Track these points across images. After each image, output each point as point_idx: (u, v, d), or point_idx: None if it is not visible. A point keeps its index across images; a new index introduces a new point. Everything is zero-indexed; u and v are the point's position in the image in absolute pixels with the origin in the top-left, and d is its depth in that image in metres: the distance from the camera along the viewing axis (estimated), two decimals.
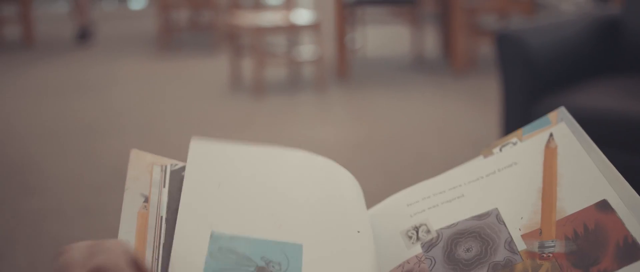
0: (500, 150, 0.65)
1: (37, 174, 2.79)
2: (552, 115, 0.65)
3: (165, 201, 0.59)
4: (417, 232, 0.61)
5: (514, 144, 0.65)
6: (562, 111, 0.65)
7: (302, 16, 4.32)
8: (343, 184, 0.65)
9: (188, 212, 0.57)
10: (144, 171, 0.62)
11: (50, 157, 2.99)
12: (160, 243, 0.56)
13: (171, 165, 0.63)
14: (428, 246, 0.59)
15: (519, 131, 0.65)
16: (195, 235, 0.55)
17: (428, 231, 0.61)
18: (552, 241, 0.56)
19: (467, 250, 0.58)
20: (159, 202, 0.60)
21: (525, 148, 0.64)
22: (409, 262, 0.59)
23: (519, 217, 0.58)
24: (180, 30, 6.07)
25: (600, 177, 0.59)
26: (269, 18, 4.22)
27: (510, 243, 0.57)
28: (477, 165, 0.65)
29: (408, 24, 5.44)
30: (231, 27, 4.32)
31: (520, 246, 0.56)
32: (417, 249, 0.60)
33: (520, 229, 0.57)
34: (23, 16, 5.82)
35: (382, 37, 6.07)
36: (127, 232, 0.56)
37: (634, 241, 0.54)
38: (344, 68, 4.56)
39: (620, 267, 0.53)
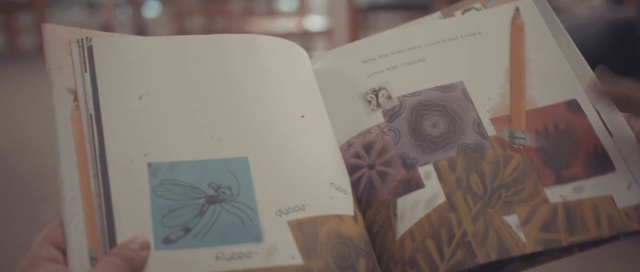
0: (462, 13, 0.61)
1: (53, 182, 2.81)
2: None
3: (90, 92, 0.50)
4: (377, 96, 0.56)
5: (478, 10, 0.60)
6: None
7: (315, 22, 4.33)
8: (276, 61, 0.57)
9: (115, 143, 0.48)
10: (65, 54, 0.51)
11: None
12: (96, 154, 0.48)
13: (87, 39, 0.52)
14: (391, 116, 0.55)
15: None
16: (131, 171, 0.48)
17: (389, 97, 0.56)
18: (523, 133, 0.53)
19: (434, 125, 0.54)
20: (85, 96, 0.50)
21: (489, 17, 0.59)
22: (370, 132, 0.55)
23: (487, 97, 0.55)
24: None
25: (571, 73, 0.56)
26: (282, 25, 4.23)
27: (479, 125, 0.54)
28: (437, 25, 0.60)
29: None
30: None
31: (490, 130, 0.54)
32: (379, 118, 0.55)
33: (488, 112, 0.54)
34: (38, 25, 5.87)
35: None
36: (66, 148, 0.47)
37: (604, 152, 0.52)
38: None
39: (590, 176, 0.51)
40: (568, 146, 0.53)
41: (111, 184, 0.47)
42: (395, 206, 0.52)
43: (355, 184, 0.54)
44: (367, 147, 0.54)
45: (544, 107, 0.54)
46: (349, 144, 0.55)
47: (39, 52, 6.01)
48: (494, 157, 0.52)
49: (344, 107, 0.57)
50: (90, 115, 0.49)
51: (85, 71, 0.50)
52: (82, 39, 0.52)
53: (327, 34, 4.21)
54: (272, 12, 5.33)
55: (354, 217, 0.51)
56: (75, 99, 0.49)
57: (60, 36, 0.52)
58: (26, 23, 6.18)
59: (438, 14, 0.61)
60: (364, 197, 0.53)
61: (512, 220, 0.49)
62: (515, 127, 0.53)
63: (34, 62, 5.57)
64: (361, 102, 0.56)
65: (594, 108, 0.54)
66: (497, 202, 0.50)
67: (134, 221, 0.46)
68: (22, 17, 6.19)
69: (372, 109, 0.56)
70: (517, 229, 0.49)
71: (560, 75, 0.56)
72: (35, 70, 5.19)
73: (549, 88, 0.55)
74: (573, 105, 0.54)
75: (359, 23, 4.77)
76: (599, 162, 0.52)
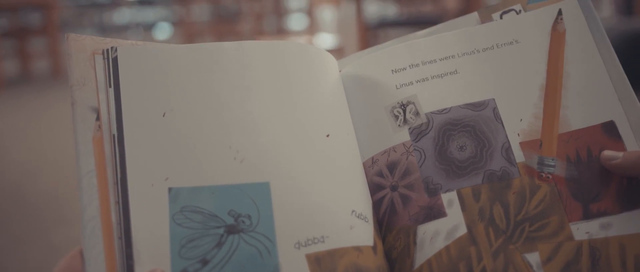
0: (501, 17, 0.57)
1: (69, 205, 2.82)
2: None
3: (113, 109, 0.48)
4: (404, 111, 0.54)
5: (518, 12, 0.57)
6: None
7: (325, 41, 4.34)
8: (304, 70, 0.55)
9: (137, 166, 0.47)
10: (89, 67, 0.49)
11: None
12: (118, 179, 0.46)
13: (112, 49, 0.50)
14: (417, 134, 0.53)
15: None
16: (152, 197, 0.46)
17: (417, 113, 0.54)
18: (553, 160, 0.50)
19: (461, 148, 0.52)
20: (108, 115, 0.48)
21: (529, 22, 0.56)
22: (395, 151, 0.53)
23: (518, 118, 0.52)
24: None
25: (611, 91, 0.52)
26: None
27: (507, 150, 0.51)
28: (474, 32, 0.56)
29: None
30: None
31: (518, 156, 0.51)
32: (405, 135, 0.53)
33: (518, 135, 0.52)
34: (51, 49, 5.93)
35: None
36: (87, 173, 0.46)
37: (638, 184, 0.49)
38: None
39: (621, 211, 0.48)
40: (599, 176, 0.49)
41: (131, 212, 0.45)
42: (415, 234, 0.50)
43: (376, 205, 0.53)
44: (391, 167, 0.53)
45: (578, 131, 0.51)
46: (373, 160, 0.54)
47: (52, 76, 6.07)
48: (520, 187, 0.50)
49: (370, 120, 0.55)
50: (113, 135, 0.47)
51: (110, 86, 0.48)
52: (106, 50, 0.50)
53: (337, 52, 4.23)
54: (281, 31, 5.36)
55: (374, 248, 0.50)
56: (98, 118, 0.47)
57: (83, 48, 0.49)
58: (39, 48, 6.24)
59: (475, 15, 0.58)
60: (385, 220, 0.52)
61: (533, 258, 0.48)
62: (546, 153, 0.51)
63: (47, 86, 5.62)
64: (388, 116, 0.54)
65: (633, 132, 0.51)
66: (520, 237, 0.49)
67: (153, 252, 0.45)
68: (35, 42, 6.25)
69: (399, 125, 0.54)
70: (538, 268, 0.47)
71: (599, 93, 0.52)
72: (48, 95, 5.23)
73: (585, 108, 0.52)
74: (610, 128, 0.51)
75: (369, 40, 4.78)
76: (632, 194, 0.49)
